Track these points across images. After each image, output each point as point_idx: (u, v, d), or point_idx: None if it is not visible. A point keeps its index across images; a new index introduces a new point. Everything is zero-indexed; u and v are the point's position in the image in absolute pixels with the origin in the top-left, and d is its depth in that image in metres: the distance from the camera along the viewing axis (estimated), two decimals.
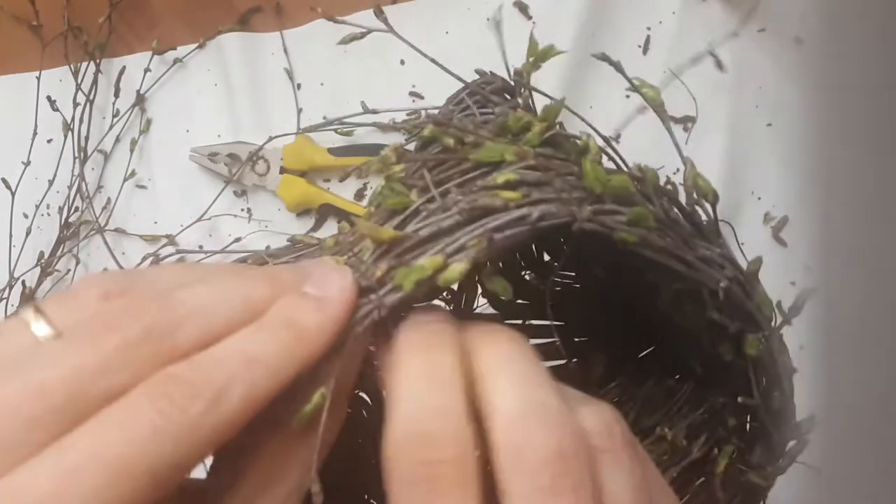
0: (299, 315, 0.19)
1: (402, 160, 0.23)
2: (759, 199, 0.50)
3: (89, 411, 0.17)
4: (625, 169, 0.24)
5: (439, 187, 0.22)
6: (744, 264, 0.34)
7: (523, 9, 0.53)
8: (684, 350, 0.26)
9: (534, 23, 0.53)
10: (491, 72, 0.27)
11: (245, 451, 0.19)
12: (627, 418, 0.26)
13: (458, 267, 0.19)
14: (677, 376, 0.28)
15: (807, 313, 0.50)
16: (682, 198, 0.24)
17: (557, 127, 0.24)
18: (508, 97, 0.27)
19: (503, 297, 0.22)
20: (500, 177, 0.21)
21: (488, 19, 0.53)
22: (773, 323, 0.24)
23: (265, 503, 0.19)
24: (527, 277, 0.29)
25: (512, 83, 0.27)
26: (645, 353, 0.29)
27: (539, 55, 0.25)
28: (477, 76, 0.28)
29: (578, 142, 0.24)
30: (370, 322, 0.20)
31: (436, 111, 0.27)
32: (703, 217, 0.24)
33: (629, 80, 0.24)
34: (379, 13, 0.31)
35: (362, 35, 0.28)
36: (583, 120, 0.27)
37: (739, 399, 0.23)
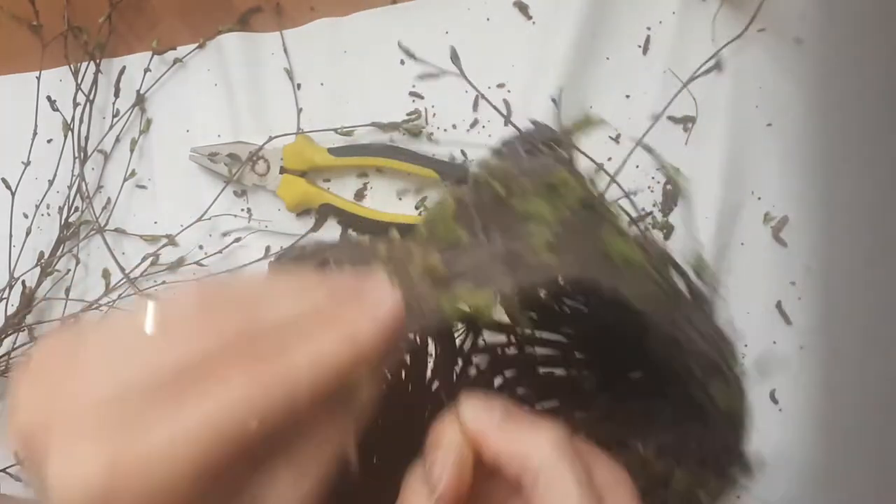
0: (358, 329, 0.24)
1: (459, 206, 0.27)
2: (759, 199, 0.50)
3: (192, 388, 0.21)
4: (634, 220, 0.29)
5: (485, 226, 0.26)
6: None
7: (523, 9, 0.53)
8: (664, 380, 0.29)
9: (533, 23, 0.52)
10: (544, 123, 0.33)
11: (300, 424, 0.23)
12: (607, 430, 0.30)
13: (484, 294, 0.23)
14: (656, 398, 0.31)
15: (807, 313, 0.50)
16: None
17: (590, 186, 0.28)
18: (556, 145, 0.31)
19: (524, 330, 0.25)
20: (541, 237, 0.24)
21: (488, 19, 0.53)
22: (741, 379, 0.28)
23: (323, 453, 0.24)
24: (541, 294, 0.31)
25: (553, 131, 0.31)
26: (632, 373, 0.31)
27: (584, 123, 0.30)
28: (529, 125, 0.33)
29: (609, 208, 0.27)
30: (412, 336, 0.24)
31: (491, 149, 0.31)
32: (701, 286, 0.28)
33: (664, 166, 0.27)
34: (455, 57, 0.32)
35: (436, 75, 0.29)
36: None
37: (702, 433, 0.27)
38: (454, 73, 0.31)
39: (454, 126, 0.53)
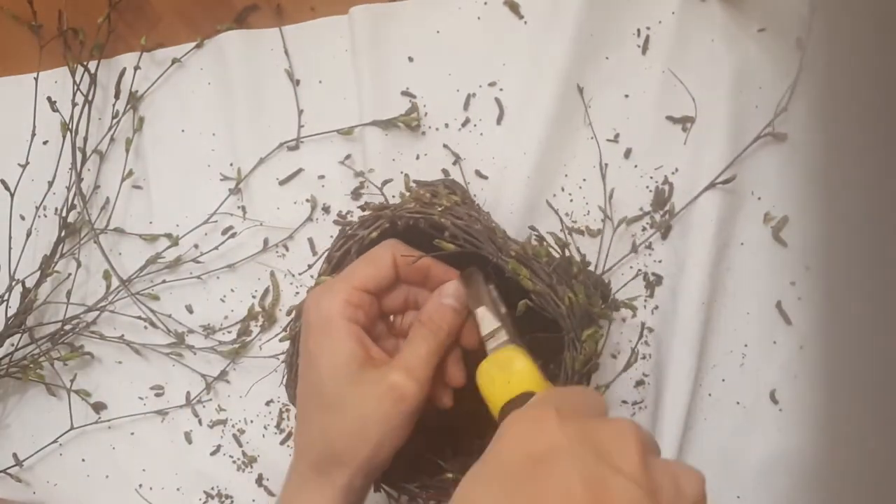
0: (451, 307, 0.41)
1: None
2: (759, 199, 0.50)
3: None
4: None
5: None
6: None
7: (514, 8, 0.52)
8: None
9: (525, 22, 0.52)
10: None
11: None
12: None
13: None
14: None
15: (807, 313, 0.50)
16: None
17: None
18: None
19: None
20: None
21: (479, 18, 0.53)
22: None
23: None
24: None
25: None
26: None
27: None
28: None
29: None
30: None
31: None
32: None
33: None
34: None
35: None
36: None
37: None
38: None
39: (446, 125, 0.53)
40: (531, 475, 0.27)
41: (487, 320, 0.41)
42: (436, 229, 0.43)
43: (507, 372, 0.38)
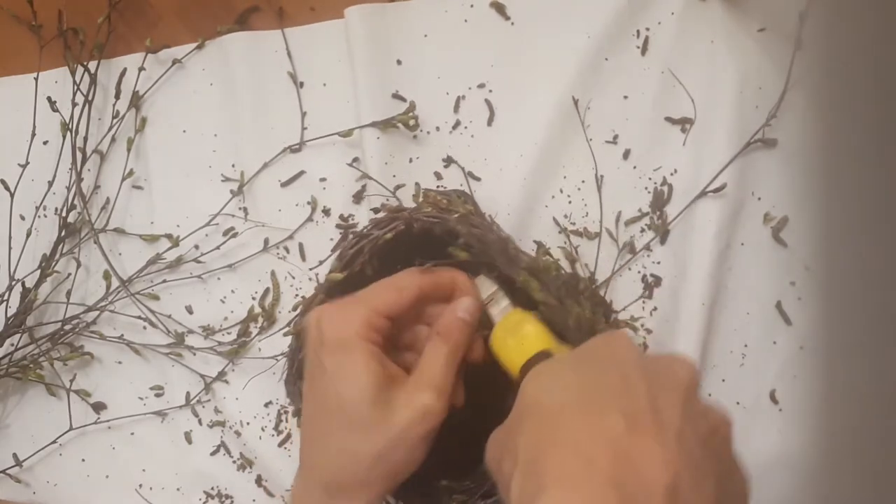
0: (465, 321, 0.42)
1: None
2: (759, 199, 0.50)
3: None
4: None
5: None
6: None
7: (500, 9, 0.52)
8: None
9: (512, 23, 0.52)
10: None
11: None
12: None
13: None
14: None
15: (807, 313, 0.50)
16: None
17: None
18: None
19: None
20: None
21: (466, 21, 0.53)
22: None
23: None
24: None
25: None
26: None
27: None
28: None
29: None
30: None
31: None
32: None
33: None
34: None
35: None
36: None
37: None
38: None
39: (437, 128, 0.53)
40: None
41: (486, 285, 0.43)
42: (450, 235, 0.44)
43: (518, 335, 0.40)
